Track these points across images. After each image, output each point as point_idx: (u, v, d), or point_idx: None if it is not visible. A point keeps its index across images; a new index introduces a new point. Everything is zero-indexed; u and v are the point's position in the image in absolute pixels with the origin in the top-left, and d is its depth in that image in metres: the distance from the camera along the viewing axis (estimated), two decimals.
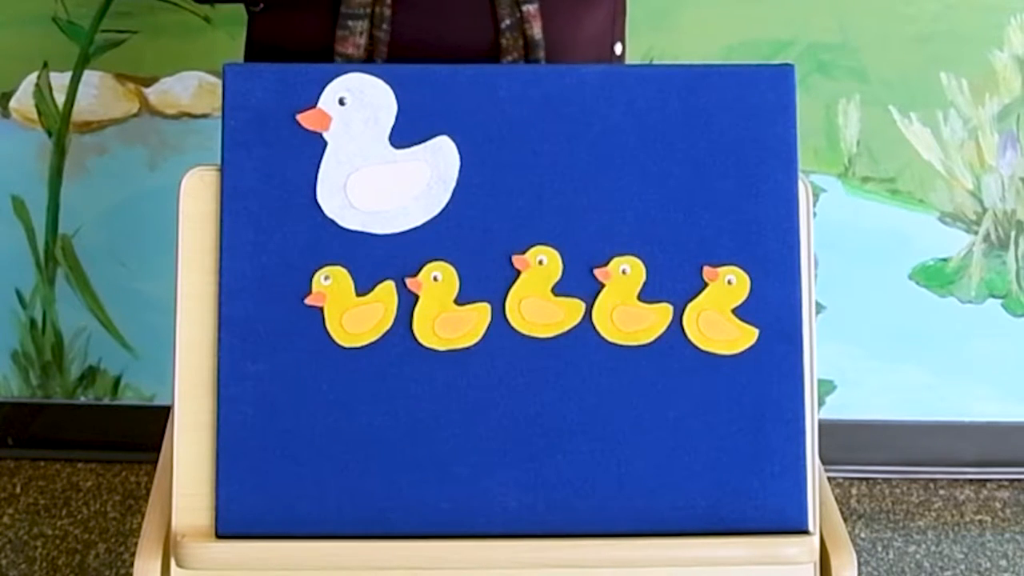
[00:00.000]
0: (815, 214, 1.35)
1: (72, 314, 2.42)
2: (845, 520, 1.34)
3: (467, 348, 1.29)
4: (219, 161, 1.30)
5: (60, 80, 2.26)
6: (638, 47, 2.16)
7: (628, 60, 2.13)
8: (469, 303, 1.29)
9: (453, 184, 1.30)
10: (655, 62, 2.12)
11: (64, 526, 2.38)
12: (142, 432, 2.20)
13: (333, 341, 1.29)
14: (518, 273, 1.30)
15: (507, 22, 1.45)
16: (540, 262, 1.30)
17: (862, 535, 2.36)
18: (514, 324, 1.29)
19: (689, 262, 1.30)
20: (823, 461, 1.34)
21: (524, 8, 1.45)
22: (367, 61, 1.46)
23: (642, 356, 1.29)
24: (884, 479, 2.48)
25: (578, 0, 1.50)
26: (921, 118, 2.22)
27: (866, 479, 2.49)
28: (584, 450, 1.29)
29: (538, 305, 1.30)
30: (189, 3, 2.19)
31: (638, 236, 1.30)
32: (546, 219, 1.30)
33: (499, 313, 1.29)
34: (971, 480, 2.49)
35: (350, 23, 1.44)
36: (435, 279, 1.29)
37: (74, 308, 2.41)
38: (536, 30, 1.45)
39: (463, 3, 1.46)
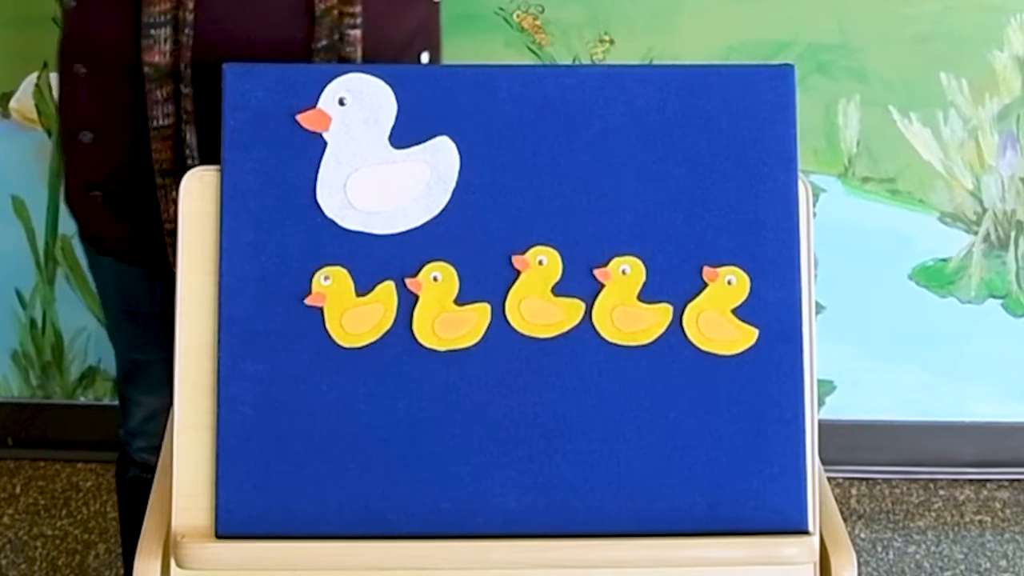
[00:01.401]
0: (815, 214, 1.34)
1: (72, 314, 2.42)
2: (845, 520, 1.34)
3: (467, 348, 1.29)
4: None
5: None
6: (638, 47, 2.16)
7: (628, 60, 2.14)
8: (469, 303, 1.29)
9: (453, 184, 1.30)
10: (655, 62, 2.12)
11: (64, 526, 2.38)
12: None
13: (333, 341, 1.29)
14: (518, 273, 1.30)
15: (325, 20, 1.43)
16: (540, 262, 1.30)
17: (862, 535, 2.36)
18: (514, 324, 1.29)
19: (689, 262, 1.30)
20: (823, 461, 1.33)
21: (344, 8, 1.44)
22: (174, 67, 1.43)
23: (642, 356, 1.29)
24: (884, 479, 2.49)
25: (393, 4, 1.50)
26: (921, 118, 2.22)
27: (866, 479, 2.49)
28: (584, 450, 1.29)
29: (538, 305, 1.30)
30: None
31: (638, 236, 1.30)
32: (546, 219, 1.30)
33: (499, 313, 1.29)
34: (971, 480, 2.49)
35: (153, 32, 1.41)
36: (435, 279, 1.29)
37: (74, 308, 2.41)
38: (355, 31, 1.44)
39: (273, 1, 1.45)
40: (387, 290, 1.29)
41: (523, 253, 1.30)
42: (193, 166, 1.44)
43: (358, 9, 1.44)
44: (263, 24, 1.43)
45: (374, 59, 1.46)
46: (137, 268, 1.59)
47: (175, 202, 1.48)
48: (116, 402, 1.83)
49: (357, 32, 1.44)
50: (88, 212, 1.56)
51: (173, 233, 1.45)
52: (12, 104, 2.29)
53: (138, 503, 1.83)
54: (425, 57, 1.57)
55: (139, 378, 1.73)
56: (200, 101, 1.44)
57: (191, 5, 1.41)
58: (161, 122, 1.44)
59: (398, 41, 1.50)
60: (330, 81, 1.30)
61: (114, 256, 1.60)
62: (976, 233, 2.31)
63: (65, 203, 1.59)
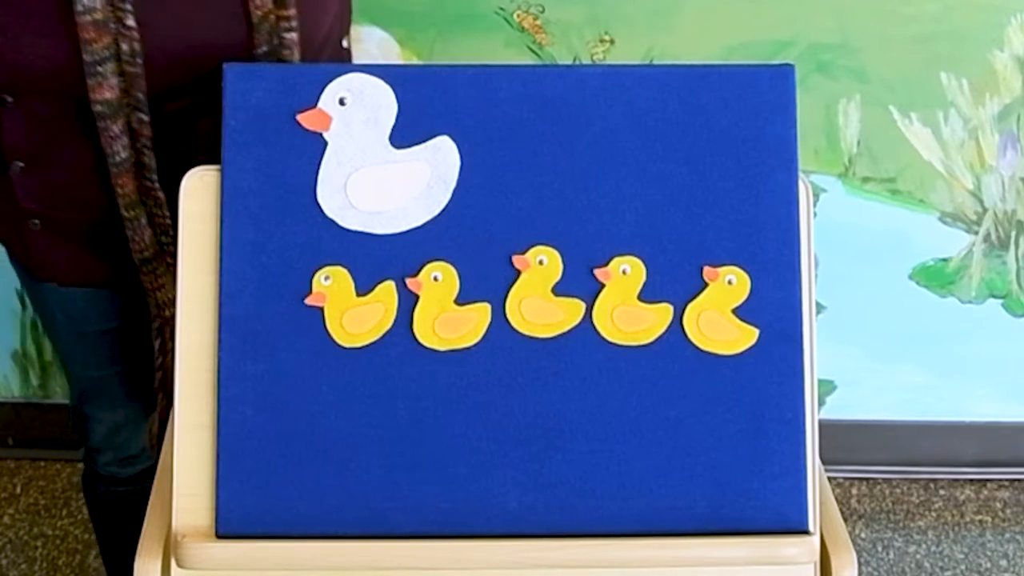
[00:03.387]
0: (815, 214, 1.35)
1: None
2: (845, 520, 1.35)
3: (467, 348, 1.29)
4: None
5: None
6: (638, 47, 2.16)
7: (628, 60, 2.14)
8: (469, 303, 1.29)
9: (453, 184, 1.30)
10: (655, 62, 2.12)
11: (64, 526, 2.38)
12: None
13: (333, 341, 1.29)
14: (518, 273, 1.30)
15: (263, 26, 1.41)
16: (540, 262, 1.30)
17: (862, 535, 2.36)
18: (514, 324, 1.29)
19: (689, 262, 1.30)
20: (823, 461, 1.34)
21: (279, 12, 1.41)
22: (125, 99, 1.39)
23: (642, 356, 1.29)
24: (884, 479, 2.49)
25: (318, 1, 1.48)
26: (921, 118, 2.22)
27: (866, 479, 2.49)
28: (584, 450, 1.29)
29: (538, 305, 1.30)
30: None
31: (638, 236, 1.30)
32: (546, 219, 1.30)
33: (499, 313, 1.29)
34: (971, 480, 2.49)
35: (99, 68, 1.36)
36: (435, 279, 1.29)
37: None
38: (292, 34, 1.42)
39: (212, 12, 1.40)
40: (387, 290, 1.29)
41: (523, 253, 1.30)
42: (153, 189, 1.44)
43: (293, 12, 1.42)
44: (205, 37, 1.40)
45: (305, 56, 1.45)
46: (82, 288, 1.57)
47: (151, 227, 1.47)
48: None
49: (294, 35, 1.42)
50: (26, 240, 1.53)
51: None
52: None
53: (112, 516, 1.83)
54: (346, 42, 1.56)
55: (96, 395, 1.72)
56: (157, 124, 1.41)
57: (136, 35, 1.36)
58: (121, 156, 1.41)
59: (323, 33, 1.49)
60: (330, 81, 1.30)
61: (58, 280, 1.57)
62: (976, 233, 2.31)
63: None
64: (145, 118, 1.40)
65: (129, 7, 1.35)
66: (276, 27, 1.42)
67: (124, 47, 1.37)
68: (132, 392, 1.70)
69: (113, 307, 1.59)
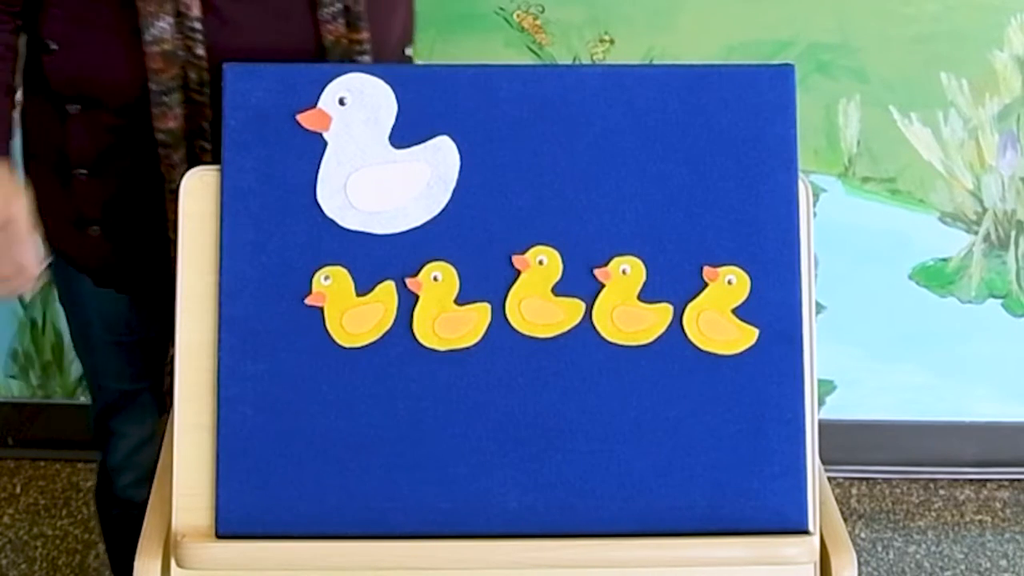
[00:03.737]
0: (815, 214, 1.34)
1: None
2: (845, 520, 1.34)
3: (467, 348, 1.29)
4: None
5: None
6: (638, 47, 2.16)
7: (628, 60, 2.14)
8: (469, 303, 1.29)
9: (453, 184, 1.30)
10: (655, 62, 2.12)
11: (64, 526, 2.38)
12: None
13: (333, 341, 1.29)
14: (518, 273, 1.30)
15: (335, 51, 1.41)
16: (540, 262, 1.30)
17: (862, 535, 2.36)
18: (514, 324, 1.29)
19: (689, 262, 1.30)
20: (823, 461, 1.33)
21: (352, 35, 1.41)
22: (188, 130, 1.39)
23: (642, 356, 1.29)
24: (884, 479, 2.49)
25: (387, 15, 1.48)
26: (921, 118, 2.22)
27: (866, 479, 2.49)
28: (584, 450, 1.29)
29: (538, 305, 1.30)
30: None
31: (638, 236, 1.30)
32: (546, 219, 1.30)
33: (499, 313, 1.29)
34: (971, 480, 2.49)
35: (164, 98, 1.37)
36: (435, 279, 1.29)
37: None
38: (366, 56, 1.42)
39: (284, 37, 1.40)
40: (387, 290, 1.29)
41: (523, 253, 1.30)
42: None
43: (366, 35, 1.42)
44: (276, 62, 1.39)
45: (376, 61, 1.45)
46: (126, 296, 1.56)
47: None
48: None
49: (367, 57, 1.42)
50: (84, 247, 1.51)
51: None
52: None
53: (125, 537, 1.77)
54: (409, 51, 1.56)
55: (127, 409, 1.69)
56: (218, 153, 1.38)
57: (205, 64, 1.36)
58: (178, 183, 1.36)
59: (391, 48, 1.49)
60: (330, 81, 1.30)
61: (114, 287, 1.55)
62: (976, 233, 2.31)
63: (49, 243, 1.49)
64: (208, 147, 1.40)
65: (200, 36, 1.35)
66: (349, 50, 1.41)
67: (192, 76, 1.37)
68: (163, 404, 1.66)
69: (153, 315, 1.56)
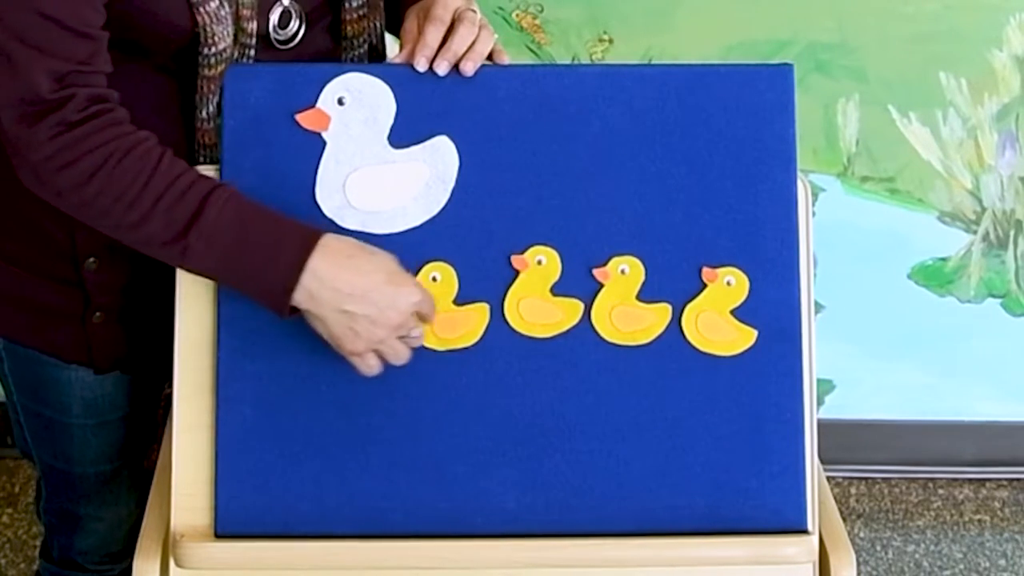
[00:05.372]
0: (814, 214, 1.34)
1: None
2: (844, 520, 1.34)
3: (466, 348, 1.29)
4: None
5: None
6: (637, 46, 2.16)
7: (627, 60, 2.14)
8: (468, 303, 1.29)
9: (452, 184, 1.30)
10: (654, 61, 2.12)
11: None
12: None
13: None
14: (517, 273, 1.30)
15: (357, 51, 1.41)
16: (539, 262, 1.30)
17: (861, 535, 2.36)
18: (513, 324, 1.29)
19: (688, 262, 1.30)
20: (822, 461, 1.34)
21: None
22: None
23: (641, 356, 1.29)
24: (883, 479, 2.48)
25: None
26: (920, 118, 2.22)
27: (865, 479, 2.49)
28: (583, 450, 1.29)
29: (537, 305, 1.30)
30: None
31: (637, 236, 1.30)
32: (545, 219, 1.30)
33: (498, 313, 1.29)
34: (970, 480, 2.49)
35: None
36: (434, 279, 1.29)
37: None
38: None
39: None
40: None
41: (522, 253, 1.30)
42: None
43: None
44: None
45: None
46: (112, 375, 1.46)
47: None
48: None
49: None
50: (87, 333, 1.41)
51: None
52: None
53: None
54: None
55: (105, 490, 1.55)
56: None
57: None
58: None
59: None
60: (329, 81, 1.30)
61: (121, 368, 1.45)
62: (975, 232, 2.31)
63: (18, 340, 1.43)
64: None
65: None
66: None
67: None
68: (138, 481, 1.55)
69: (135, 390, 1.49)
